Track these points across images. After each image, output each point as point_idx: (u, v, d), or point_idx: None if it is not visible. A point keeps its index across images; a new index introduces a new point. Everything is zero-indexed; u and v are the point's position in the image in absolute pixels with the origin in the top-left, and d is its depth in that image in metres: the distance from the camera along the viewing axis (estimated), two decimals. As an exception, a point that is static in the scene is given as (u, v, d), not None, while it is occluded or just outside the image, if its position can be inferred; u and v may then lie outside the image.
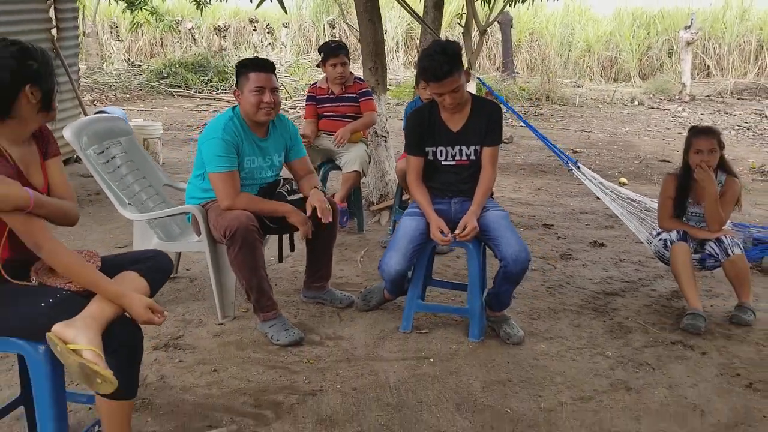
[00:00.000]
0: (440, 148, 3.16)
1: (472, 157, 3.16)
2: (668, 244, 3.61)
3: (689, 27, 17.57)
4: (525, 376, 2.85)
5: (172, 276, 3.72)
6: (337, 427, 2.41)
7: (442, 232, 3.03)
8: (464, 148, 3.15)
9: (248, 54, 17.60)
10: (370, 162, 4.72)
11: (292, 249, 3.53)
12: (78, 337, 1.73)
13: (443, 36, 16.81)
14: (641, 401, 2.69)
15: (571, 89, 17.69)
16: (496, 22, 17.93)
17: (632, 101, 16.84)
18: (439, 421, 2.48)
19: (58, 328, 1.74)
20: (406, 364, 2.91)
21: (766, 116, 15.49)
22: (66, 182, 2.03)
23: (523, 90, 16.38)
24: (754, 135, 12.83)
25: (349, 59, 4.61)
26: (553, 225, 5.27)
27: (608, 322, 3.45)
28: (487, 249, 3.24)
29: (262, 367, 2.83)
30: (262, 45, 18.73)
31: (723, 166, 3.66)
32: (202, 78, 14.87)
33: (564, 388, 2.76)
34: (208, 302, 3.44)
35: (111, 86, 14.34)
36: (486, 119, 3.13)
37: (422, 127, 3.16)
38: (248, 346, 3.01)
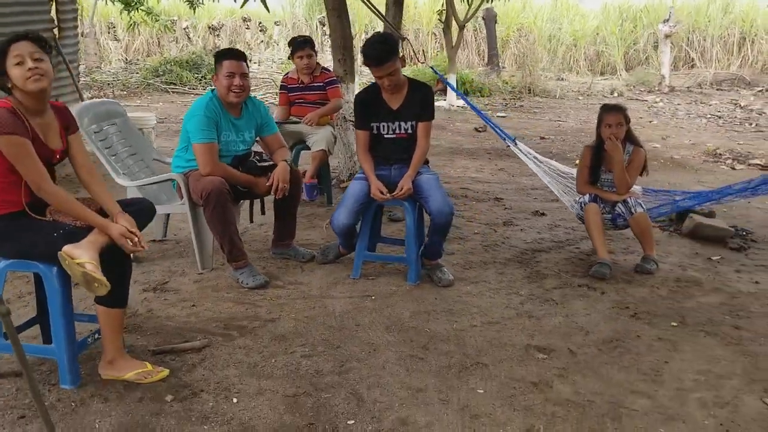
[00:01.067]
0: (383, 123, 3.79)
1: (410, 131, 3.79)
2: (583, 205, 4.23)
3: (668, 20, 18.17)
4: (447, 308, 3.48)
5: (161, 239, 4.38)
6: (288, 341, 3.04)
7: (382, 192, 3.66)
8: (402, 123, 3.78)
9: (242, 51, 18.21)
10: (335, 142, 5.35)
11: (262, 212, 4.17)
12: (82, 255, 2.35)
13: (427, 32, 17.16)
14: (539, 325, 3.32)
15: (554, 82, 18.28)
16: (480, 18, 18.58)
17: (612, 93, 17.42)
18: (371, 337, 3.11)
19: (67, 248, 2.37)
20: (351, 300, 3.54)
21: (740, 106, 16.10)
22: (85, 152, 2.69)
23: (507, 83, 16.94)
24: (723, 123, 13.41)
25: (315, 52, 5.26)
26: (503, 198, 5.90)
27: (529, 270, 4.08)
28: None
29: (232, 303, 3.46)
30: (256, 43, 19.35)
31: (630, 138, 4.28)
32: (196, 75, 15.50)
33: (477, 316, 3.39)
34: (190, 258, 4.06)
35: (109, 84, 14.95)
36: (420, 99, 3.77)
37: (367, 105, 3.79)
38: (222, 289, 3.64)
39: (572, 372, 2.86)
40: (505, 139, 4.99)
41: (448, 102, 13.20)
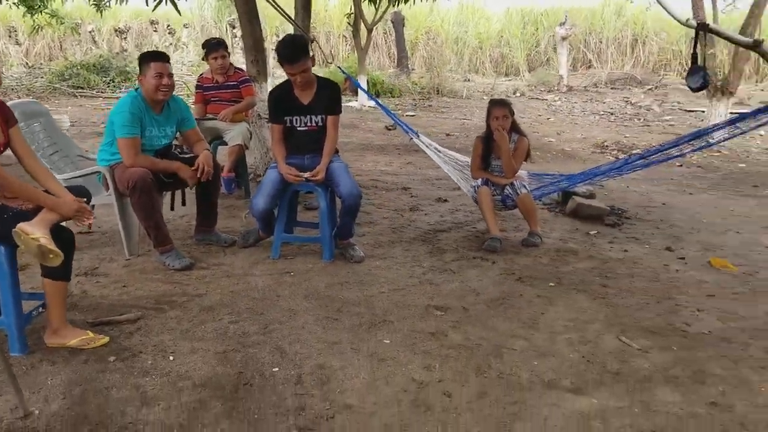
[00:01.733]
0: (295, 117, 4.19)
1: (320, 123, 4.20)
2: (476, 189, 4.77)
3: (563, 23, 19.36)
4: (359, 279, 3.91)
5: (87, 232, 4.60)
6: (215, 311, 3.39)
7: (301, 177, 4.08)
8: (313, 116, 4.18)
9: (150, 54, 18.10)
10: (251, 137, 5.70)
11: (183, 203, 4.48)
12: (35, 231, 2.65)
13: (338, 34, 17.67)
14: (437, 290, 3.80)
15: (461, 83, 19.12)
16: (389, 21, 19.20)
17: (514, 92, 18.39)
18: (290, 304, 3.50)
19: (21, 225, 2.65)
20: (272, 277, 3.92)
21: (630, 103, 17.37)
22: (25, 142, 2.95)
23: (416, 84, 17.60)
24: (614, 118, 14.51)
25: (228, 53, 5.60)
26: (410, 188, 6.41)
27: (431, 247, 4.58)
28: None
29: (161, 283, 3.77)
30: (164, 45, 19.24)
31: (515, 128, 4.85)
32: (104, 78, 15.35)
33: (385, 284, 3.85)
34: (117, 247, 4.32)
35: (12, 89, 14.60)
36: (328, 95, 4.19)
37: (280, 101, 4.18)
38: (150, 272, 3.94)
39: (464, 324, 3.35)
40: (408, 132, 5.48)
41: (359, 103, 13.69)
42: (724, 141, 4.91)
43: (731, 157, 9.89)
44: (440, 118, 12.82)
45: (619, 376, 2.88)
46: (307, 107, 4.18)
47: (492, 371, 2.88)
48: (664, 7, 8.30)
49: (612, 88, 19.94)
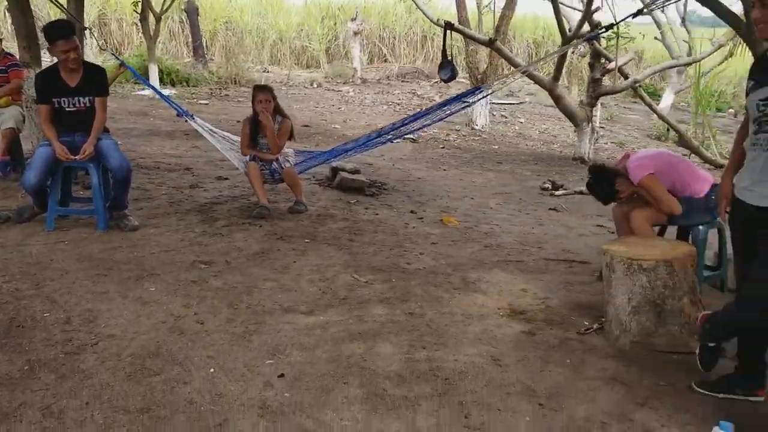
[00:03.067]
0: (63, 98, 4.48)
1: (88, 105, 4.53)
2: (246, 164, 5.36)
3: (355, 19, 20.51)
4: (131, 244, 4.34)
5: None
6: (-12, 275, 3.67)
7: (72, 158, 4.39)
8: (81, 98, 4.51)
9: None
10: (24, 121, 5.80)
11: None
12: None
13: (131, 22, 17.20)
14: (205, 249, 4.34)
15: (260, 74, 19.55)
16: (183, 10, 19.05)
17: (311, 84, 19.20)
18: (63, 266, 3.85)
19: None
20: (46, 246, 4.21)
21: (417, 94, 18.92)
22: None
23: (213, 74, 17.74)
24: (399, 108, 15.79)
25: (1, 39, 5.67)
26: (192, 168, 6.84)
27: (205, 216, 5.10)
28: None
29: (-70, 256, 3.93)
30: (-71, 29, 17.54)
31: (279, 111, 5.49)
32: None
33: (156, 247, 4.31)
34: None
35: None
36: (96, 78, 4.54)
37: (47, 84, 4.46)
38: None
39: (224, 273, 3.93)
40: (183, 115, 5.92)
41: (151, 90, 13.62)
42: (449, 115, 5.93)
43: (489, 140, 11.41)
44: (234, 107, 13.20)
45: (344, 301, 3.63)
46: (75, 89, 4.48)
47: (242, 304, 3.49)
48: (419, 7, 9.45)
49: (402, 81, 21.51)
